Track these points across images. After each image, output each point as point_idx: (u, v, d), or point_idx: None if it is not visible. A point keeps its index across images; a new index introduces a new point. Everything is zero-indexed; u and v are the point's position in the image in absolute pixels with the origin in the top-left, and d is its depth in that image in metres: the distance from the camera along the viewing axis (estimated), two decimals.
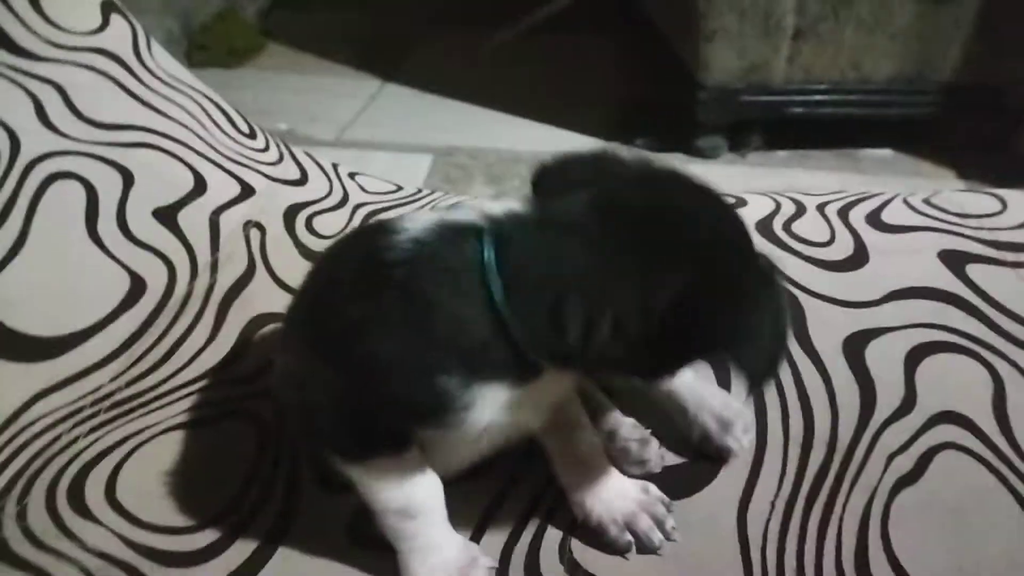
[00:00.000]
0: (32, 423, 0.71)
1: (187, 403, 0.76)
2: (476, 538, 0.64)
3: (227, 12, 2.85)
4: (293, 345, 0.63)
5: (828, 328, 0.81)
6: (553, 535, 0.64)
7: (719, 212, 0.54)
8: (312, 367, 0.57)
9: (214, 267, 0.91)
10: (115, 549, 0.63)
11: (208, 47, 2.76)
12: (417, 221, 0.55)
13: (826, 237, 0.94)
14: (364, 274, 0.55)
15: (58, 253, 0.82)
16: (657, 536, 0.61)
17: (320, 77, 2.59)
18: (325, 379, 0.56)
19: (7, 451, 0.69)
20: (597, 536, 0.62)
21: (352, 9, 3.10)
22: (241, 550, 0.63)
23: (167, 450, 0.72)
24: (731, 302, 0.49)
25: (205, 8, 2.82)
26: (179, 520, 0.66)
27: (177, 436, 0.73)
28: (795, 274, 0.88)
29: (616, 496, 0.63)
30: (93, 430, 0.72)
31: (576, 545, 0.63)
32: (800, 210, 1.00)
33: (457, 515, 0.62)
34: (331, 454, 0.59)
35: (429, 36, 2.82)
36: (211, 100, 1.12)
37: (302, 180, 1.10)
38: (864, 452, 0.68)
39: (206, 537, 0.64)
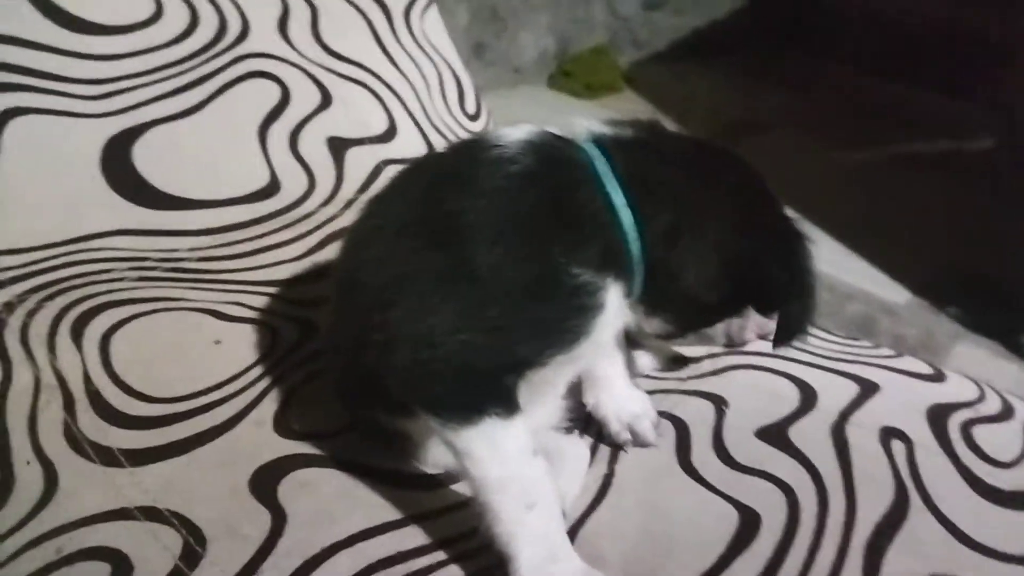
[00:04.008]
0: (101, 249, 0.77)
1: (230, 296, 0.78)
2: None
3: (601, 48, 2.99)
4: (399, 257, 0.55)
5: (922, 558, 0.58)
6: None
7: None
8: (430, 280, 0.52)
9: (348, 204, 0.93)
10: (73, 379, 0.67)
11: (571, 75, 2.92)
12: (517, 131, 0.57)
13: (1011, 457, 0.67)
14: (479, 170, 0.55)
15: (223, 133, 0.89)
16: (653, 436, 0.68)
17: None
18: (446, 295, 0.51)
19: (64, 260, 0.75)
20: (601, 429, 0.69)
21: (722, 85, 3.07)
22: (168, 433, 0.64)
23: (182, 325, 0.74)
24: (799, 268, 0.58)
25: (586, 40, 2.99)
26: (143, 387, 0.68)
27: (201, 318, 0.75)
28: (939, 489, 0.64)
29: (625, 401, 0.69)
30: (140, 280, 0.77)
31: None
32: (1005, 414, 0.73)
33: None
34: (439, 419, 0.52)
35: (786, 128, 2.66)
36: (455, 75, 1.16)
37: None
38: None
39: (156, 408, 0.67)
